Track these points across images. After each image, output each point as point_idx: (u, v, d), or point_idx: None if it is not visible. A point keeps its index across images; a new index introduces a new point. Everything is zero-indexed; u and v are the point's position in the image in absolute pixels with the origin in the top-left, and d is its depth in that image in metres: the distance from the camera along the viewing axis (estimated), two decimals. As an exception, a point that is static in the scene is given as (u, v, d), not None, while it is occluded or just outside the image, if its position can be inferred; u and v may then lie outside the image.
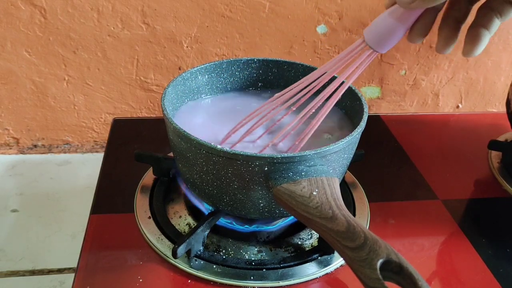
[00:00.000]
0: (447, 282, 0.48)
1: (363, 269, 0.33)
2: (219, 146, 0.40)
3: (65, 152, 0.88)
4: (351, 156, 0.47)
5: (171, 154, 0.57)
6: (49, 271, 0.67)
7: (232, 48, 0.82)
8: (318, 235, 0.50)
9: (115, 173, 0.60)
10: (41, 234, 0.72)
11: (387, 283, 0.32)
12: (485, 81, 0.94)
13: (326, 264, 0.48)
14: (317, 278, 0.47)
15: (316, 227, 0.38)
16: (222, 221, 0.50)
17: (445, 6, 0.38)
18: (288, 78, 0.57)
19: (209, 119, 0.53)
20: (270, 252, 0.49)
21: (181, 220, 0.52)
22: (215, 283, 0.45)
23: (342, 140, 0.42)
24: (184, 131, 0.42)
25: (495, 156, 0.68)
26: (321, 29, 0.82)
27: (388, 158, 0.68)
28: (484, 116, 0.84)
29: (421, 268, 0.49)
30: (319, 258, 0.48)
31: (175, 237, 0.49)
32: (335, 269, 0.48)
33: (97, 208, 0.54)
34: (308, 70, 0.56)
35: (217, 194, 0.45)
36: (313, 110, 0.45)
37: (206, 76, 0.55)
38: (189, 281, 0.45)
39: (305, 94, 0.45)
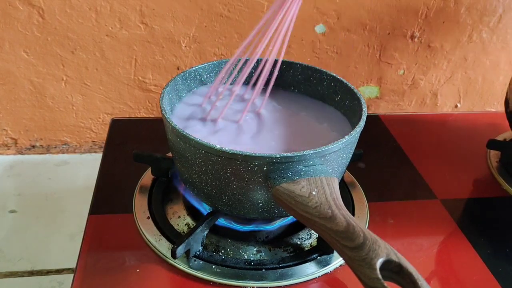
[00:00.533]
0: (446, 282, 0.48)
1: (363, 268, 0.33)
2: (218, 146, 0.40)
3: (63, 153, 0.88)
4: (350, 155, 0.47)
5: (169, 154, 0.57)
6: (48, 272, 0.66)
7: (231, 47, 0.82)
8: (317, 235, 0.50)
9: (114, 173, 0.60)
10: (39, 234, 0.72)
11: (386, 283, 0.32)
12: (484, 80, 0.94)
13: (325, 264, 0.48)
14: (316, 278, 0.47)
15: (315, 227, 0.38)
16: (221, 221, 0.50)
17: None
18: (287, 77, 0.57)
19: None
20: (269, 252, 0.49)
21: (180, 220, 0.52)
22: (214, 283, 0.45)
23: (341, 139, 0.42)
24: (183, 130, 0.42)
25: (494, 155, 0.68)
26: (319, 28, 0.82)
27: (387, 157, 0.68)
28: (483, 115, 0.84)
29: (420, 267, 0.48)
30: (318, 258, 0.48)
31: (174, 237, 0.49)
32: (334, 269, 0.48)
33: (95, 208, 0.54)
34: (306, 69, 0.56)
35: (216, 194, 0.45)
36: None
37: (205, 76, 0.55)
38: (188, 281, 0.45)
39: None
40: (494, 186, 0.63)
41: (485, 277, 0.48)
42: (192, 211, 0.53)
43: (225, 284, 0.45)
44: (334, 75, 0.54)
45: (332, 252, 0.48)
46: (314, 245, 0.50)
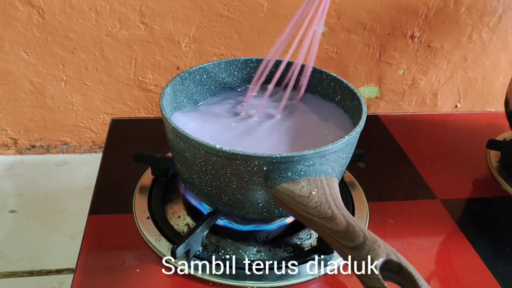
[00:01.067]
0: (446, 282, 0.48)
1: (363, 268, 0.33)
2: (218, 146, 0.40)
3: (63, 153, 0.88)
4: (350, 155, 0.47)
5: (169, 154, 0.57)
6: (48, 272, 0.66)
7: (231, 48, 0.82)
8: (317, 235, 0.50)
9: (114, 173, 0.60)
10: (39, 234, 0.72)
11: (386, 283, 0.32)
12: (484, 80, 0.94)
13: (325, 264, 0.48)
14: (316, 278, 0.47)
15: (315, 226, 0.38)
16: (221, 221, 0.50)
17: None
18: (286, 77, 0.57)
19: (207, 119, 0.52)
20: (269, 252, 0.49)
21: (180, 220, 0.52)
22: (214, 283, 0.45)
23: (341, 139, 0.42)
24: (183, 131, 0.42)
25: (493, 155, 0.68)
26: (319, 28, 0.82)
27: (387, 157, 0.68)
28: (483, 115, 0.84)
29: (420, 267, 0.48)
30: (318, 258, 0.48)
31: (174, 237, 0.49)
32: (334, 269, 0.47)
33: (95, 208, 0.54)
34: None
35: (216, 194, 0.45)
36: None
37: (205, 76, 0.55)
38: (188, 281, 0.45)
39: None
40: (494, 186, 0.63)
41: (485, 277, 0.48)
42: (192, 211, 0.53)
43: (225, 284, 0.45)
44: (334, 75, 0.54)
45: (332, 252, 0.48)
46: (314, 245, 0.50)
